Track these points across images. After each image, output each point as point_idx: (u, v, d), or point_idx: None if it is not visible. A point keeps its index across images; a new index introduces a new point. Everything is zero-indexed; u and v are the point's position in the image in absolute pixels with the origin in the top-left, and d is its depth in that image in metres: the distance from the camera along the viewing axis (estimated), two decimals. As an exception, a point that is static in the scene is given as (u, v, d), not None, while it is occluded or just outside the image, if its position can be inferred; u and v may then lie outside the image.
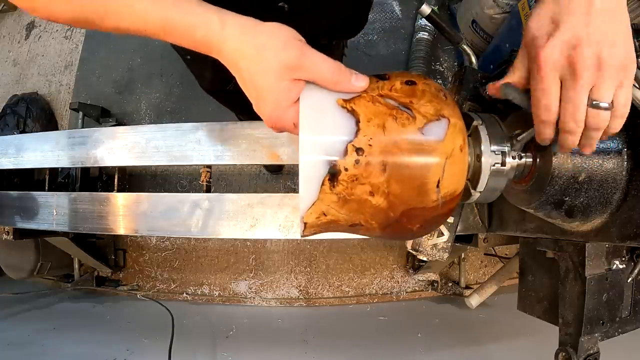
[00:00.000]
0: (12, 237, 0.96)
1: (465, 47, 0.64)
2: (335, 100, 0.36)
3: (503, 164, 0.40)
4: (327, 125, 0.35)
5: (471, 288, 1.31)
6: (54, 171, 1.17)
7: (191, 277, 1.55)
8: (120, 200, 0.80)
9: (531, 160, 0.45)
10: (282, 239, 0.74)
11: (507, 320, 1.19)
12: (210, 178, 0.80)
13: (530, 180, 0.46)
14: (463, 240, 0.80)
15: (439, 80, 1.61)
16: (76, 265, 1.46)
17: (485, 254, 1.47)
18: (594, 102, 0.34)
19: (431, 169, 0.35)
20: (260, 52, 0.35)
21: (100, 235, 1.43)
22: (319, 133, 0.35)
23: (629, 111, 0.35)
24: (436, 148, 0.35)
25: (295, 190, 1.52)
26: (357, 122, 0.35)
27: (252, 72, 0.36)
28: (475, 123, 0.41)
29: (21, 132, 1.48)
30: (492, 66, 1.28)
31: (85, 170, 1.30)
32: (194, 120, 0.77)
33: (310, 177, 0.35)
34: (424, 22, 1.58)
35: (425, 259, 0.64)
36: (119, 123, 1.61)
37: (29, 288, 1.46)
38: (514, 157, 0.41)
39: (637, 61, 0.44)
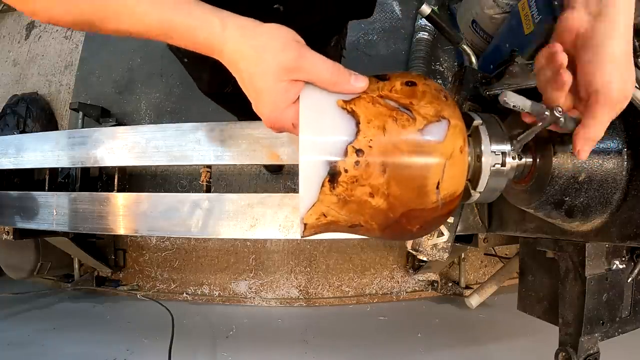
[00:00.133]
0: (12, 237, 0.96)
1: (465, 47, 0.64)
2: (335, 101, 0.36)
3: (503, 164, 0.40)
4: (327, 126, 0.35)
5: (471, 288, 1.31)
6: (54, 171, 1.17)
7: (191, 277, 1.55)
8: (120, 200, 0.80)
9: (531, 160, 0.45)
10: (282, 239, 0.74)
11: (507, 320, 1.19)
12: (210, 178, 0.80)
13: (530, 180, 0.46)
14: (463, 240, 0.80)
15: (439, 80, 1.61)
16: (76, 265, 1.46)
17: (485, 254, 1.47)
18: None
19: (431, 170, 0.35)
20: (259, 54, 0.35)
21: (100, 235, 1.43)
22: (318, 134, 0.35)
23: None
24: (436, 149, 0.35)
25: (295, 190, 1.52)
26: (357, 123, 0.35)
27: (251, 73, 0.36)
28: (475, 123, 0.41)
29: (21, 132, 1.48)
30: (492, 66, 1.28)
31: (85, 170, 1.30)
32: (194, 120, 0.77)
33: (310, 178, 0.35)
34: (424, 22, 1.58)
35: (425, 259, 0.63)
36: (119, 123, 1.61)
37: (29, 288, 1.46)
38: (514, 158, 0.41)
39: (637, 61, 0.44)
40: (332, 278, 1.51)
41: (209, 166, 0.80)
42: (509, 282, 1.06)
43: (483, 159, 0.40)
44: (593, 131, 0.37)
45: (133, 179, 1.59)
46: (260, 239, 0.96)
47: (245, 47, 0.36)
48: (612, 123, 0.45)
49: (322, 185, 0.35)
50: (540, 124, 0.38)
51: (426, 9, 0.61)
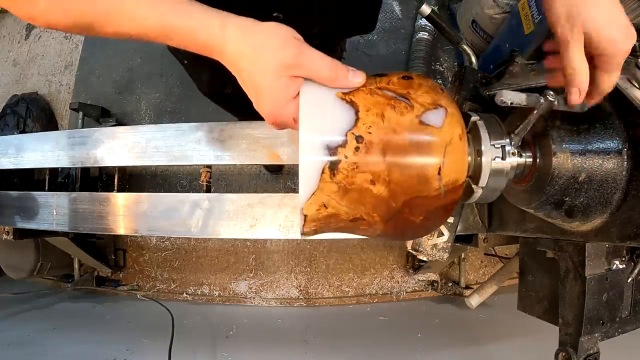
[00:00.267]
0: (12, 237, 0.96)
1: (465, 47, 0.64)
2: (334, 94, 0.37)
3: (503, 157, 0.40)
4: (327, 116, 0.35)
5: (471, 288, 1.31)
6: (54, 171, 1.17)
7: (191, 277, 1.55)
8: (120, 200, 0.80)
9: (531, 160, 0.45)
10: (282, 239, 0.74)
11: (507, 320, 1.19)
12: (210, 178, 0.80)
13: (530, 180, 0.46)
14: (463, 240, 0.80)
15: (439, 80, 1.61)
16: (76, 265, 1.46)
17: (485, 254, 1.47)
18: None
19: (431, 154, 0.35)
20: (258, 52, 0.36)
21: (100, 235, 1.43)
22: (318, 123, 0.35)
23: None
24: (435, 134, 0.35)
25: (295, 190, 1.51)
26: (357, 112, 0.35)
27: (251, 72, 0.36)
28: (473, 119, 0.41)
29: (21, 132, 1.48)
30: (492, 66, 1.28)
31: (85, 170, 1.30)
32: (194, 120, 0.77)
33: (310, 166, 0.35)
34: (424, 22, 1.58)
35: (425, 259, 0.64)
36: (119, 123, 1.61)
37: (29, 288, 1.46)
38: (514, 154, 0.41)
39: (637, 61, 0.44)
40: (332, 278, 1.51)
41: (209, 166, 0.80)
42: (509, 282, 1.06)
43: (483, 153, 0.40)
44: (568, 70, 0.38)
45: (133, 179, 1.59)
46: (260, 239, 0.96)
47: (245, 46, 0.36)
48: (612, 123, 0.45)
49: (322, 172, 0.35)
50: (535, 111, 0.39)
51: (426, 9, 0.61)
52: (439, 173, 0.35)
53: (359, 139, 0.34)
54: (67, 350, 1.07)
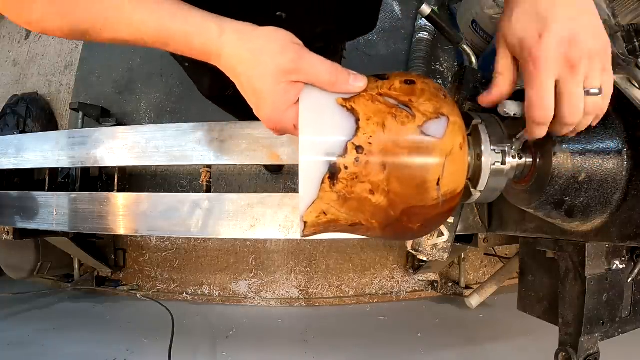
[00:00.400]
0: (12, 237, 0.96)
1: (465, 47, 0.64)
2: (334, 100, 0.36)
3: (503, 162, 0.40)
4: (327, 124, 0.35)
5: (471, 288, 1.31)
6: (54, 171, 1.17)
7: (191, 277, 1.55)
8: (120, 200, 0.80)
9: (531, 160, 0.45)
10: (282, 239, 0.74)
11: (507, 320, 1.19)
12: (210, 178, 0.80)
13: (530, 180, 0.46)
14: (463, 240, 0.80)
15: (438, 80, 1.61)
16: (76, 265, 1.46)
17: (485, 254, 1.47)
18: (590, 91, 0.35)
19: (431, 166, 0.35)
20: (257, 57, 0.35)
21: (100, 235, 1.43)
22: (318, 131, 0.35)
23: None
24: (436, 146, 0.35)
25: (295, 190, 1.52)
26: (357, 120, 0.35)
27: (250, 76, 0.36)
28: (474, 122, 0.41)
29: (21, 132, 1.48)
30: (492, 66, 1.28)
31: (85, 170, 1.30)
32: (194, 120, 0.77)
33: (310, 175, 0.35)
34: (424, 22, 1.58)
35: (425, 259, 0.63)
36: (119, 123, 1.61)
37: (29, 288, 1.46)
38: (513, 157, 0.41)
39: (637, 61, 0.44)
40: (332, 278, 1.51)
41: (209, 166, 0.80)
42: (509, 282, 1.06)
43: (483, 157, 0.40)
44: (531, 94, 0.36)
45: (133, 179, 1.59)
46: (260, 239, 0.96)
47: (242, 50, 0.36)
48: (612, 123, 0.45)
49: (322, 182, 0.35)
50: None
51: (426, 9, 0.61)
52: (437, 184, 0.35)
53: (359, 149, 0.34)
54: (67, 350, 1.07)
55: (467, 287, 1.37)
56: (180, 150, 0.77)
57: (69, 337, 1.17)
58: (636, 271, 0.53)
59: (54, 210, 0.85)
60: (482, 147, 0.40)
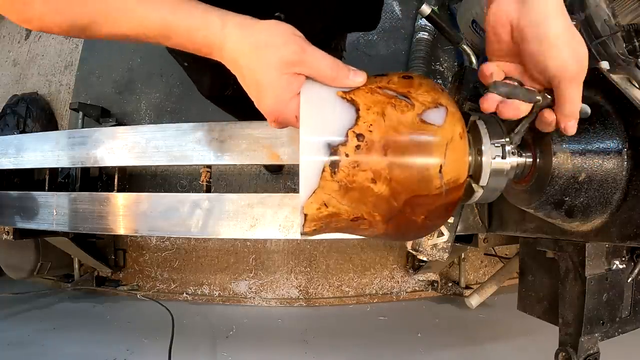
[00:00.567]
0: (12, 237, 0.96)
1: (465, 47, 0.64)
2: (335, 93, 0.37)
3: (504, 156, 0.40)
4: (328, 114, 0.36)
5: (471, 288, 1.31)
6: (54, 171, 1.17)
7: (191, 277, 1.55)
8: (120, 200, 0.80)
9: (531, 160, 0.45)
10: (282, 239, 0.74)
11: (507, 320, 1.19)
12: (210, 178, 0.80)
13: (530, 180, 0.46)
14: (463, 240, 0.80)
15: (439, 80, 1.61)
16: (76, 265, 1.46)
17: (485, 254, 1.47)
18: None
19: (433, 152, 0.35)
20: (260, 50, 0.36)
21: (100, 235, 1.43)
22: (319, 121, 0.35)
23: None
24: (437, 132, 0.35)
25: (295, 190, 1.51)
26: (357, 110, 0.35)
27: (253, 68, 0.36)
28: (472, 118, 0.42)
29: (21, 132, 1.48)
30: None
31: (85, 170, 1.30)
32: (194, 120, 0.77)
33: (310, 164, 0.35)
34: (424, 22, 1.58)
35: (425, 259, 0.64)
36: (119, 123, 1.61)
37: (29, 288, 1.46)
38: (513, 153, 0.41)
39: (637, 61, 0.44)
40: (332, 278, 1.51)
41: (209, 166, 0.80)
42: (509, 282, 1.06)
43: (483, 151, 0.40)
44: (569, 108, 0.37)
45: (133, 179, 1.59)
46: (260, 239, 0.96)
47: (245, 44, 0.36)
48: (612, 123, 0.45)
49: (323, 171, 0.35)
50: (534, 110, 0.39)
51: (426, 9, 0.61)
52: (440, 171, 0.35)
53: (359, 137, 0.34)
54: (67, 350, 1.07)
55: (467, 287, 1.36)
56: (180, 150, 0.77)
57: (69, 337, 1.17)
58: (636, 271, 0.53)
59: (54, 210, 0.85)
60: (482, 142, 0.40)
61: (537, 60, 0.36)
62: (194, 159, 0.77)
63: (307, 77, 0.37)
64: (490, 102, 0.38)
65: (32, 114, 1.56)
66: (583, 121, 0.45)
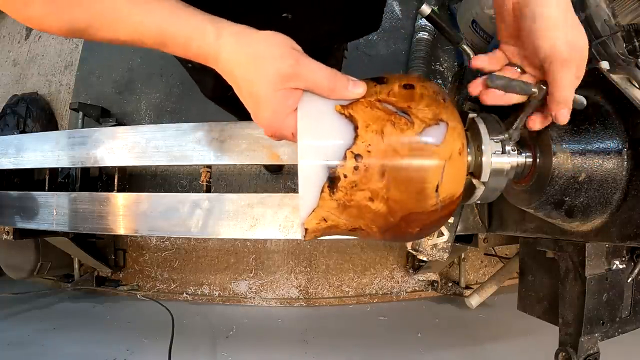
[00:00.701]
0: (12, 237, 0.96)
1: (465, 47, 0.63)
2: (333, 107, 0.36)
3: (504, 151, 0.40)
4: (326, 132, 0.35)
5: (471, 288, 1.31)
6: (54, 171, 1.17)
7: (191, 277, 1.55)
8: (120, 200, 0.80)
9: (531, 160, 0.45)
10: (282, 239, 0.74)
11: (507, 320, 1.19)
12: (210, 178, 0.80)
13: (530, 180, 0.46)
14: (463, 240, 0.80)
15: (438, 81, 1.61)
16: (76, 265, 1.46)
17: (485, 254, 1.47)
18: None
19: (430, 173, 0.35)
20: (256, 61, 0.35)
21: (100, 235, 1.43)
22: (317, 140, 0.35)
23: None
24: (435, 152, 0.35)
25: (295, 190, 1.51)
26: (356, 128, 0.35)
27: (249, 81, 0.36)
28: (471, 115, 0.42)
29: (21, 132, 1.48)
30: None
31: (85, 170, 1.30)
32: (194, 120, 0.77)
33: (309, 185, 0.35)
34: (424, 22, 1.58)
35: (425, 259, 0.64)
36: (119, 123, 1.60)
37: (29, 288, 1.46)
38: (513, 150, 0.41)
39: (637, 61, 0.44)
40: (332, 278, 1.51)
41: (209, 166, 0.80)
42: (509, 282, 1.06)
43: (483, 147, 0.40)
44: (561, 94, 0.37)
45: (133, 179, 1.59)
46: (260, 239, 0.96)
47: (241, 55, 0.35)
48: (612, 123, 0.45)
49: (322, 191, 0.35)
50: (531, 102, 0.39)
51: (426, 9, 0.61)
52: (436, 190, 0.36)
53: (358, 157, 0.34)
54: (67, 350, 1.07)
55: (467, 287, 1.36)
56: (180, 150, 0.77)
57: (69, 337, 1.17)
58: (636, 271, 0.53)
59: (54, 210, 0.85)
60: (482, 138, 0.40)
61: (531, 40, 0.36)
62: (194, 159, 0.77)
63: (305, 91, 0.37)
64: (474, 86, 0.39)
65: (32, 114, 1.56)
66: (583, 121, 0.45)
